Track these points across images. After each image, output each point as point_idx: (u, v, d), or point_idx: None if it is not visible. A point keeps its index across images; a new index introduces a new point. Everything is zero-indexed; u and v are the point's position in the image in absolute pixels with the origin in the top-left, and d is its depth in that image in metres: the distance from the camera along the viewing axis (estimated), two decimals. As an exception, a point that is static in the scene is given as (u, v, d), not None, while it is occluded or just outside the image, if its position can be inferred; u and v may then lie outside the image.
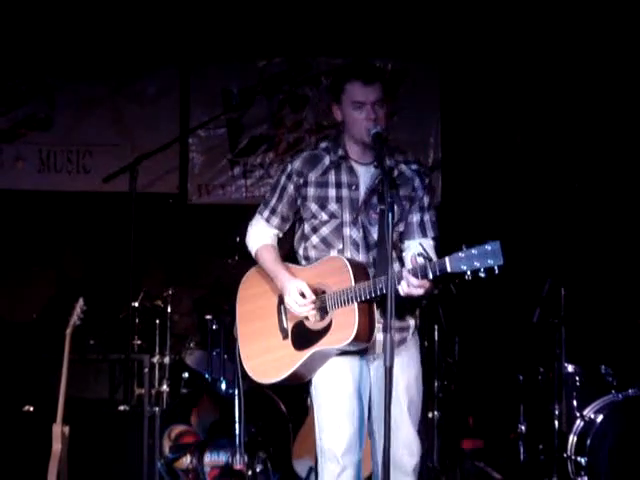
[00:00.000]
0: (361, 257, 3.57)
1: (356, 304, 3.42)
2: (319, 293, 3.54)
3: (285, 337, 3.60)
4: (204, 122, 6.83)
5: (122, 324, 5.93)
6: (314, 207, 3.63)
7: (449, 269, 3.21)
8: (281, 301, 3.63)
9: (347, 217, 3.59)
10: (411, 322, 3.66)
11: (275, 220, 3.74)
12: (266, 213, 3.75)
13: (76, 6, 6.80)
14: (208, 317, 6.01)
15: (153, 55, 7.13)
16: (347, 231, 3.59)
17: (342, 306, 3.45)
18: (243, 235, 5.94)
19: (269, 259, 3.70)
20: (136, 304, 6.01)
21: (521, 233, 6.51)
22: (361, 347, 3.49)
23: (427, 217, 3.65)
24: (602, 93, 6.79)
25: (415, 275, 3.30)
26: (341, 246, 3.60)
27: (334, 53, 7.22)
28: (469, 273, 3.17)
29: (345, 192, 3.60)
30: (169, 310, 6.12)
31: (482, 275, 3.16)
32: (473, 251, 3.16)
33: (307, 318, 3.56)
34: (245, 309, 3.78)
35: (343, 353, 3.54)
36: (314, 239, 3.65)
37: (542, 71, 6.99)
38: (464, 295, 5.77)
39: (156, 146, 5.99)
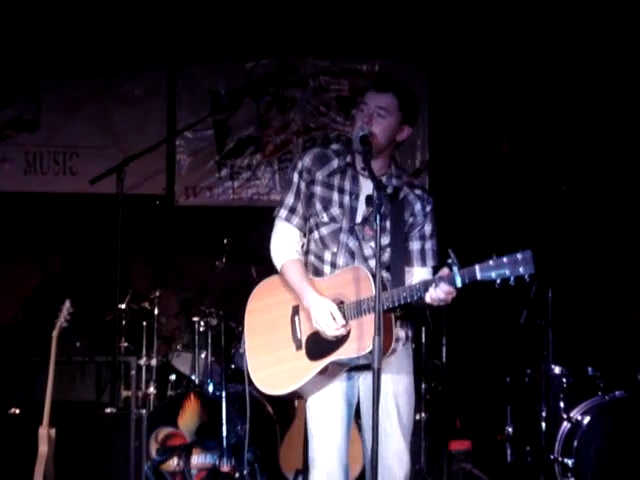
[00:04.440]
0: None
1: None
2: (337, 304, 3.48)
3: (298, 348, 3.52)
4: (191, 124, 6.80)
5: (109, 326, 5.91)
6: (318, 206, 3.61)
7: (479, 277, 3.20)
8: (295, 312, 3.57)
9: (345, 224, 3.58)
10: (401, 333, 3.62)
11: (295, 219, 3.66)
12: (285, 213, 3.67)
13: (62, 7, 6.77)
14: (195, 319, 6.00)
15: (140, 56, 7.09)
16: (343, 238, 3.58)
17: (362, 315, 3.40)
18: (230, 236, 6.04)
19: (294, 275, 3.59)
20: (123, 306, 6.00)
21: (508, 235, 6.52)
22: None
23: (428, 246, 3.63)
24: (590, 94, 6.81)
25: (444, 282, 3.26)
26: (335, 250, 3.59)
27: (322, 55, 7.23)
28: (499, 281, 3.17)
29: (347, 199, 3.59)
30: (156, 312, 6.10)
31: (511, 284, 3.16)
32: (504, 259, 3.17)
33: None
34: (256, 321, 3.68)
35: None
36: (315, 235, 3.64)
37: (530, 73, 7.00)
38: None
39: (143, 147, 6.00)
